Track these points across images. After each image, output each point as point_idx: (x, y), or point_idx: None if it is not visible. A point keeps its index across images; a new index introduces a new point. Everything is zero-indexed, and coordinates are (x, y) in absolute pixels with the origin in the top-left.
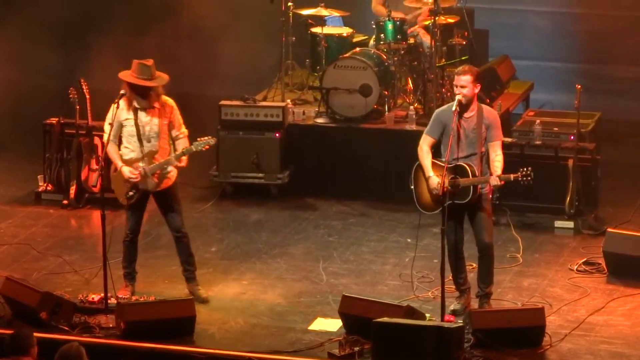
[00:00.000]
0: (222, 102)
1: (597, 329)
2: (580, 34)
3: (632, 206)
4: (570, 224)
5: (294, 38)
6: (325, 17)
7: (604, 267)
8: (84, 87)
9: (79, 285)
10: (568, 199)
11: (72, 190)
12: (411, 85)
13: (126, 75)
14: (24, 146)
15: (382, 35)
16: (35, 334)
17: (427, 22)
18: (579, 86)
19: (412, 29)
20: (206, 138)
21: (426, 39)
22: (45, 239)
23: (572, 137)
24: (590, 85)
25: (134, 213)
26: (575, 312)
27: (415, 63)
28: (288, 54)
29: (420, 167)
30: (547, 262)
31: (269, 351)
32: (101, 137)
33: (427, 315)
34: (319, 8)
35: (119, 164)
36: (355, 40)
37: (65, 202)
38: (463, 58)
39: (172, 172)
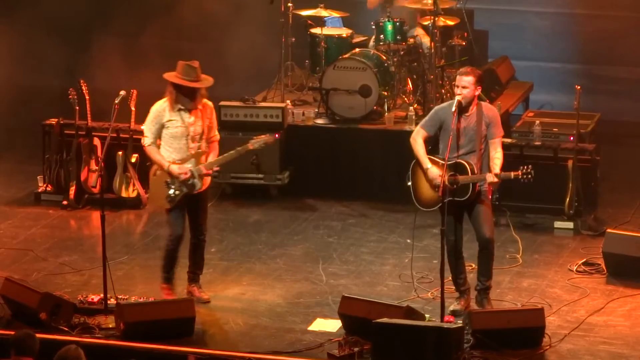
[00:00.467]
0: (222, 103)
1: (597, 329)
2: (580, 35)
3: (631, 207)
4: (569, 225)
5: (293, 39)
6: (325, 18)
7: (604, 267)
8: (83, 87)
9: (78, 286)
10: (567, 199)
11: (72, 191)
12: (411, 86)
13: (172, 77)
14: (23, 147)
15: (381, 36)
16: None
17: (426, 23)
18: (579, 87)
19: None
20: (263, 136)
21: (426, 40)
22: (45, 239)
23: (571, 138)
24: (589, 86)
25: (178, 217)
26: (574, 312)
27: (415, 64)
28: (287, 55)
29: (417, 164)
30: (546, 263)
31: (268, 352)
32: (100, 137)
33: (427, 315)
34: (318, 9)
35: (165, 164)
36: (354, 41)
37: (64, 202)
38: (462, 59)
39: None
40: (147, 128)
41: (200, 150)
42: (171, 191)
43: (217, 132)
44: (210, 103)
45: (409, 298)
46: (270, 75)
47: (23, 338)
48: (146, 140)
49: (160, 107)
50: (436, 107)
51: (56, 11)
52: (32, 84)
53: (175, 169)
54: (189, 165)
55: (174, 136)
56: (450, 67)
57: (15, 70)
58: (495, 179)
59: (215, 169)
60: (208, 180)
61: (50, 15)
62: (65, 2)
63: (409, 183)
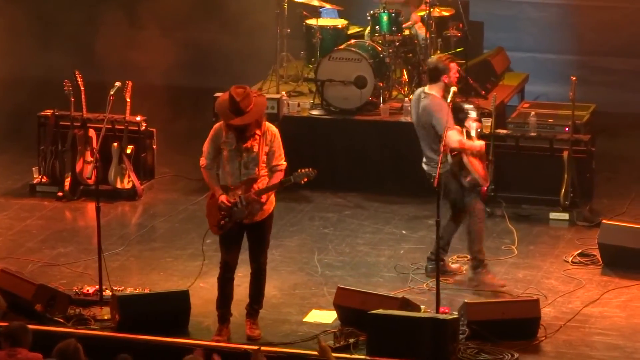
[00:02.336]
0: (217, 94)
1: (592, 320)
2: (575, 26)
3: (627, 198)
4: (565, 216)
5: (288, 30)
6: (320, 9)
7: (599, 258)
8: (78, 79)
9: (73, 278)
10: (563, 190)
11: (67, 182)
12: (406, 77)
13: (218, 104)
14: (18, 139)
15: (377, 27)
16: (31, 326)
17: (421, 14)
18: (574, 78)
19: (407, 23)
20: (306, 170)
21: (421, 31)
22: (40, 231)
23: (567, 129)
24: (585, 77)
25: (227, 246)
26: (570, 303)
27: (410, 55)
28: (283, 46)
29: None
30: (542, 254)
31: (263, 343)
32: (96, 129)
33: (422, 307)
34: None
35: (219, 191)
36: (350, 32)
37: (60, 194)
38: (458, 50)
39: (268, 204)
40: (205, 148)
41: (253, 177)
42: (221, 218)
43: (282, 162)
44: (273, 128)
45: (405, 289)
46: (265, 66)
47: (15, 329)
48: (202, 161)
49: (219, 127)
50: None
51: (49, 3)
52: (27, 75)
53: (223, 199)
54: (239, 192)
55: (228, 159)
56: None
57: (8, 62)
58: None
59: (262, 199)
60: (269, 209)
61: (44, 7)
62: None
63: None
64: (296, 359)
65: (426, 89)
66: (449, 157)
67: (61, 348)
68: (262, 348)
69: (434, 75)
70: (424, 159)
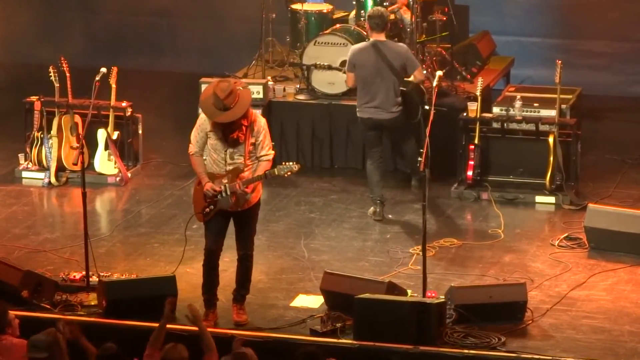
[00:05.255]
0: (203, 79)
1: (579, 304)
2: (560, 9)
3: (612, 181)
4: (551, 199)
5: (274, 15)
6: None
7: (585, 242)
8: (64, 65)
9: (60, 264)
10: (549, 174)
11: (53, 168)
12: None
13: (202, 100)
14: (4, 125)
15: (362, 11)
16: (17, 313)
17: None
18: (560, 61)
19: (392, 7)
20: (290, 163)
21: (407, 15)
22: (26, 217)
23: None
24: (571, 61)
25: (212, 234)
26: (556, 287)
27: (396, 39)
28: (268, 31)
29: None
30: (528, 238)
31: (251, 328)
32: (81, 115)
33: (409, 291)
34: None
35: (205, 179)
36: (335, 16)
37: (46, 180)
38: (443, 34)
39: (255, 193)
40: (192, 135)
41: (239, 167)
42: (206, 205)
43: (269, 151)
44: (261, 119)
45: (391, 273)
46: (251, 51)
47: None
48: (190, 148)
49: (204, 116)
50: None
51: None
52: (12, 61)
53: (208, 187)
54: (225, 181)
55: (214, 148)
56: (431, 42)
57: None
58: None
59: (247, 190)
60: (256, 198)
61: None
62: None
63: None
64: (283, 343)
65: (382, 37)
66: None
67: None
68: (250, 333)
69: (384, 24)
70: (376, 104)
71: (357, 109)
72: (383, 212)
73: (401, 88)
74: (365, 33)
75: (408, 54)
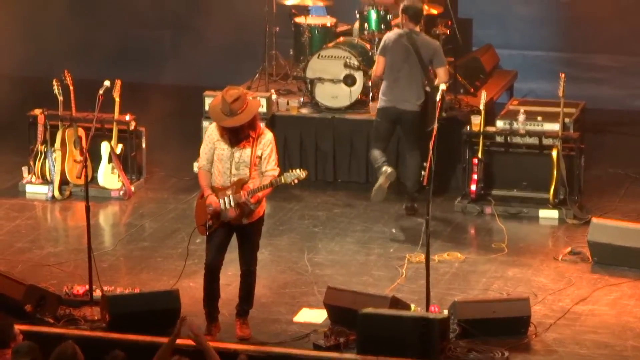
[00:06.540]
0: (206, 93)
1: (582, 318)
2: (564, 23)
3: (616, 195)
4: (554, 214)
5: (277, 28)
6: (309, 7)
7: (589, 256)
8: (67, 78)
9: (63, 278)
10: (552, 188)
11: (57, 182)
12: None
13: (211, 107)
14: (8, 138)
15: (365, 24)
16: (21, 327)
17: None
18: (563, 75)
19: (396, 20)
20: (297, 170)
21: None
22: (30, 231)
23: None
24: (574, 74)
25: (212, 247)
26: (560, 301)
27: None
28: (272, 44)
29: None
30: (531, 252)
31: (254, 342)
32: (85, 128)
33: (412, 305)
34: None
35: (208, 191)
36: (339, 29)
37: (49, 194)
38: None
39: (259, 207)
40: (201, 149)
41: (243, 178)
42: (208, 219)
43: (274, 167)
44: (268, 133)
45: (393, 285)
46: (254, 64)
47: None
48: (199, 163)
49: (213, 127)
50: None
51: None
52: (16, 75)
53: (211, 200)
54: (229, 192)
55: (220, 159)
56: None
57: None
58: None
59: (252, 200)
60: (260, 212)
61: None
62: None
63: None
64: (286, 358)
65: (417, 29)
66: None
67: (60, 352)
68: (253, 347)
69: (419, 17)
70: (400, 91)
71: (380, 100)
72: (396, 171)
73: (426, 88)
74: (368, 47)
75: (438, 50)
